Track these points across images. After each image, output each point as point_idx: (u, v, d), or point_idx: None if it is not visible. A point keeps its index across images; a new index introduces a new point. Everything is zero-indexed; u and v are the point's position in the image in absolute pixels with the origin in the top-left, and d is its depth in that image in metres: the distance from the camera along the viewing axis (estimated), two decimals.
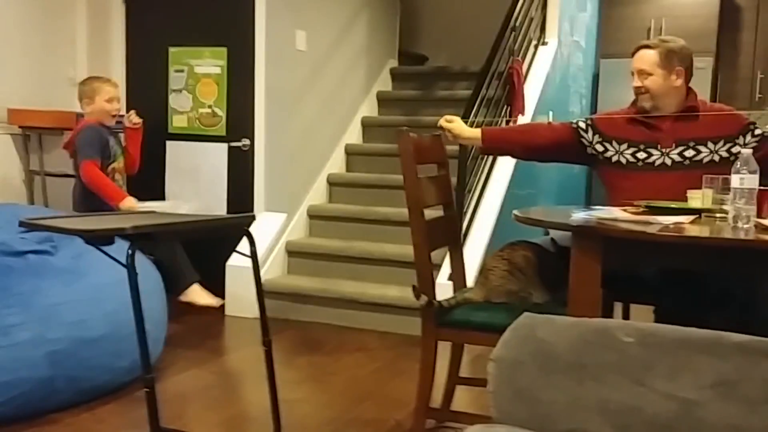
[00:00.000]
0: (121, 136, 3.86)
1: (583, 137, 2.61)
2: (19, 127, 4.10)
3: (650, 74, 2.54)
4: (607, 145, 2.58)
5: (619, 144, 2.56)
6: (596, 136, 2.59)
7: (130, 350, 2.68)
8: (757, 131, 2.47)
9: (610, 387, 1.46)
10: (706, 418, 1.38)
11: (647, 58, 2.55)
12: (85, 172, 3.46)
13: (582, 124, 2.63)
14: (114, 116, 3.65)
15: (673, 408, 1.40)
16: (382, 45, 5.53)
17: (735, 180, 2.00)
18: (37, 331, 2.52)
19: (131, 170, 3.82)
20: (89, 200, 3.48)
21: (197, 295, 3.47)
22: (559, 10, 5.24)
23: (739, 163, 2.00)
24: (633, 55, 2.60)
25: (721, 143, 2.47)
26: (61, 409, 2.60)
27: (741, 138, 2.46)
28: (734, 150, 2.43)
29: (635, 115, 2.59)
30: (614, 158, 2.57)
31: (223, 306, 4.12)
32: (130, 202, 3.48)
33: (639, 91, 2.57)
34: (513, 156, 2.91)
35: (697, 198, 2.24)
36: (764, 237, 1.83)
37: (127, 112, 3.88)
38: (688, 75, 2.55)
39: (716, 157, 2.46)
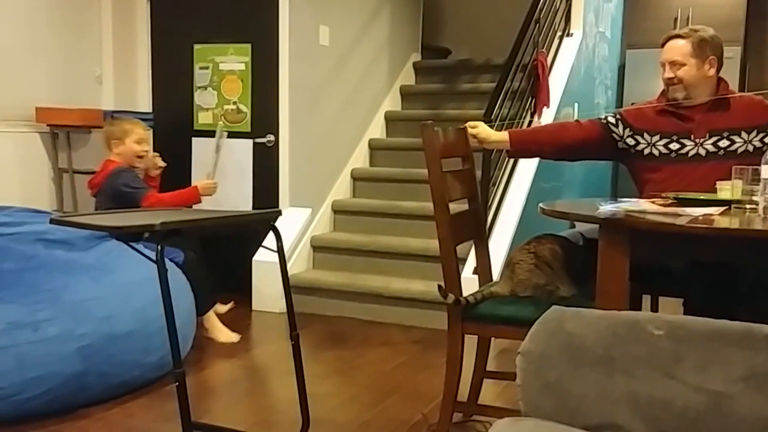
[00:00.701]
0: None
1: (614, 132, 2.58)
2: (47, 125, 4.16)
3: (683, 64, 2.49)
4: (639, 138, 2.55)
5: (651, 136, 2.53)
6: (627, 130, 2.56)
7: (158, 346, 2.73)
8: None
9: (640, 380, 1.45)
10: (736, 411, 1.37)
11: (679, 48, 2.51)
12: (152, 205, 3.46)
13: (611, 119, 2.60)
14: (141, 158, 3.63)
15: (703, 401, 1.39)
16: (405, 39, 5.53)
17: (765, 171, 1.97)
18: (66, 327, 2.56)
19: None
20: None
21: (218, 331, 3.51)
22: (584, 0, 5.18)
23: None
24: (663, 45, 2.56)
25: (754, 133, 2.43)
26: (92, 403, 2.63)
27: None
28: (767, 140, 2.40)
29: (665, 105, 2.55)
30: (646, 151, 2.54)
31: (249, 301, 4.16)
32: (203, 185, 3.60)
33: (671, 82, 2.53)
34: (542, 157, 2.87)
35: (726, 189, 2.21)
36: None
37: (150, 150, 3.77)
38: (720, 64, 2.52)
39: (750, 147, 2.42)
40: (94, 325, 2.62)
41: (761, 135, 2.42)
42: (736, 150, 2.44)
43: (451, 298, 2.19)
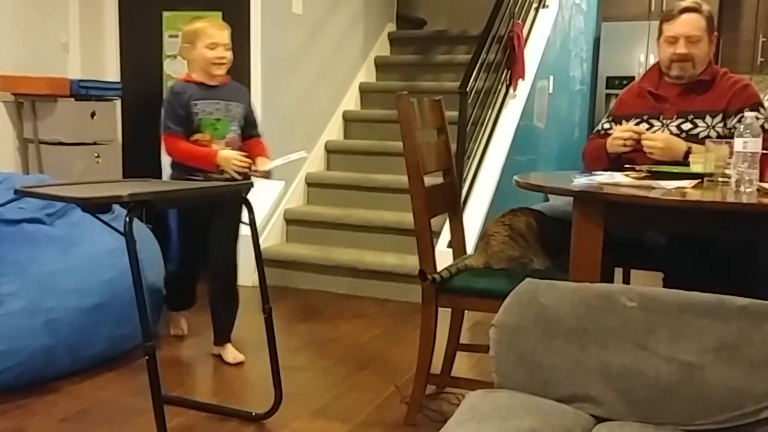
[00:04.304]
0: (234, 106, 2.88)
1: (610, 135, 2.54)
2: (12, 94, 4.04)
3: (699, 40, 2.38)
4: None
5: (627, 121, 2.51)
6: (617, 126, 2.54)
7: (128, 318, 2.68)
8: (761, 116, 2.30)
9: (612, 351, 1.45)
10: (707, 381, 1.38)
11: (697, 22, 2.39)
12: (165, 148, 2.82)
13: (606, 125, 2.59)
14: (219, 65, 2.81)
15: (675, 371, 1.40)
16: (380, 9, 5.45)
17: (738, 144, 1.98)
18: (33, 300, 2.51)
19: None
20: (181, 169, 2.83)
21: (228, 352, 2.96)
22: None
23: (742, 126, 1.97)
24: (670, 18, 2.43)
25: (718, 118, 2.38)
26: (61, 377, 2.60)
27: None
28: (729, 125, 2.35)
29: (646, 85, 2.53)
30: None
31: None
32: (224, 153, 2.75)
33: (684, 58, 2.40)
34: None
35: (699, 163, 2.22)
36: (767, 201, 1.82)
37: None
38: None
39: (712, 133, 2.37)
40: (61, 298, 2.57)
41: (725, 121, 2.37)
42: (698, 134, 2.38)
43: (429, 279, 2.18)
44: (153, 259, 3.07)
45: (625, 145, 2.38)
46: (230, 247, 2.93)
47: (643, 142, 2.33)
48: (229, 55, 2.84)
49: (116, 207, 2.05)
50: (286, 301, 3.79)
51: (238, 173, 2.75)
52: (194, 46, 2.81)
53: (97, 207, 1.99)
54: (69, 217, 2.83)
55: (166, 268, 3.20)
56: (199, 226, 2.87)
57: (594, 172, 2.31)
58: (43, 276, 2.57)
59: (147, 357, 1.88)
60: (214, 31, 2.81)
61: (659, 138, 2.34)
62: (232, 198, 2.48)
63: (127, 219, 1.88)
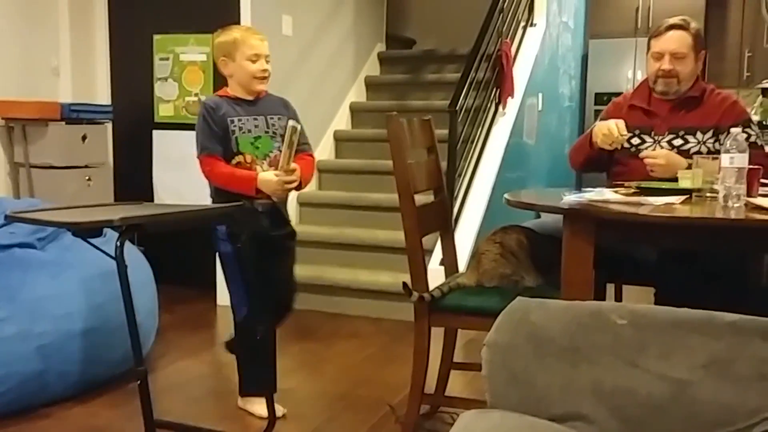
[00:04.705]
0: (276, 119, 2.55)
1: None
2: (2, 118, 4.05)
3: (684, 57, 2.43)
4: None
5: None
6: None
7: (120, 342, 2.66)
8: (752, 133, 2.39)
9: (604, 369, 1.46)
10: (699, 398, 1.38)
11: (684, 39, 2.44)
12: (204, 172, 2.47)
13: None
14: (262, 79, 2.49)
15: (666, 388, 1.41)
16: (369, 29, 5.49)
17: (725, 159, 2.00)
18: (24, 325, 2.50)
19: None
20: (225, 197, 2.45)
21: (257, 405, 2.55)
22: None
23: (728, 142, 2.00)
24: (657, 35, 2.48)
25: (709, 134, 2.43)
26: (53, 403, 2.58)
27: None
28: (719, 143, 2.39)
29: (636, 101, 2.56)
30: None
31: (214, 296, 4.11)
32: (264, 177, 2.43)
33: (669, 75, 2.45)
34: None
35: (687, 178, 2.24)
36: (754, 216, 1.83)
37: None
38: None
39: (703, 149, 2.41)
40: (52, 323, 2.56)
41: (715, 137, 2.42)
42: (689, 150, 2.42)
43: (415, 296, 2.18)
44: (145, 282, 3.06)
45: (605, 142, 2.40)
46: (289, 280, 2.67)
47: (645, 159, 2.36)
48: (270, 67, 2.51)
49: (108, 230, 2.05)
50: None
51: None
52: (232, 59, 2.45)
53: (87, 231, 1.99)
54: (60, 241, 2.83)
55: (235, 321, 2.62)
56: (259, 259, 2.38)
57: (584, 189, 2.33)
58: (35, 301, 2.56)
59: (139, 381, 1.87)
60: (255, 41, 2.46)
61: (661, 155, 2.37)
62: (226, 220, 2.47)
63: (118, 243, 1.87)
